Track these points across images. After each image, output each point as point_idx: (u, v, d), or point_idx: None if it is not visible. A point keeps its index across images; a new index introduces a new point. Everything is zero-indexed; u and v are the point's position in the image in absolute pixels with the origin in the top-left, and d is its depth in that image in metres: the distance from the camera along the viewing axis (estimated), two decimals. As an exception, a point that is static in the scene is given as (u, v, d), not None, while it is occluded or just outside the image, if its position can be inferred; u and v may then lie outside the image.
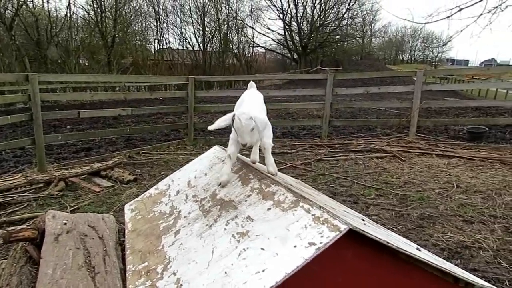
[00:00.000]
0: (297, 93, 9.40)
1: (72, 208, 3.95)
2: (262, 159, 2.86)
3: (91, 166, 5.20)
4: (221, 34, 34.37)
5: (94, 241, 2.49)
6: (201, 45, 33.57)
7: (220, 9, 33.88)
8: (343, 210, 2.54)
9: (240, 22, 36.17)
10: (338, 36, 41.46)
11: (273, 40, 41.04)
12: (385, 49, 62.80)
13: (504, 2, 7.68)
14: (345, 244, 1.59)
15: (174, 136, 8.53)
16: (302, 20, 39.28)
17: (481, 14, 7.91)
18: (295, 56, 40.84)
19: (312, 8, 38.25)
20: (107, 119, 10.72)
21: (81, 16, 25.33)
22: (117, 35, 25.89)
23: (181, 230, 2.31)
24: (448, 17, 8.21)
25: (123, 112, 7.12)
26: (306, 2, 38.02)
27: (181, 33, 33.94)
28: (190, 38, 34.51)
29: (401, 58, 65.53)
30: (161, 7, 32.03)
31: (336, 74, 8.32)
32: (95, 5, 24.68)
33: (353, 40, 45.81)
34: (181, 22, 33.90)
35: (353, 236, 1.58)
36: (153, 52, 32.41)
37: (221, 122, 2.46)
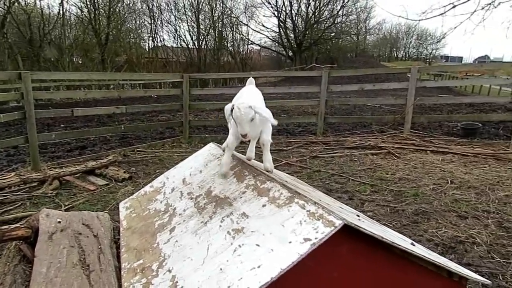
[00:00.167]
0: (292, 90, 9.42)
1: (67, 207, 3.93)
2: (258, 157, 2.86)
3: (86, 165, 5.17)
4: (216, 32, 34.26)
5: (89, 239, 2.48)
6: (195, 42, 33.45)
7: (214, 6, 33.78)
8: (338, 206, 2.55)
9: (234, 19, 36.09)
10: (332, 34, 41.50)
11: (268, 37, 41.05)
12: (380, 46, 62.95)
13: (497, -1, 7.73)
14: (340, 240, 1.59)
15: (169, 134, 8.50)
16: (296, 17, 39.30)
17: (475, 11, 7.97)
18: (290, 53, 40.82)
19: (307, 5, 38.27)
20: (101, 117, 10.66)
21: (74, 14, 25.18)
22: (110, 32, 25.72)
23: (176, 227, 2.30)
24: (442, 14, 8.26)
25: (117, 110, 7.09)
26: (301, -1, 38.03)
27: (176, 30, 33.82)
28: (185, 35, 34.49)
29: (395, 55, 65.71)
30: (155, 4, 31.88)
31: (331, 71, 8.33)
32: (88, 3, 24.50)
33: (348, 37, 45.86)
34: (175, 19, 33.78)
35: (348, 232, 1.58)
36: (147, 49, 32.24)
37: (225, 111, 2.40)
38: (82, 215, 2.86)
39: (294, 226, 1.67)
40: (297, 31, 39.24)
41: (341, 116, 10.67)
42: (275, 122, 2.45)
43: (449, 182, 4.70)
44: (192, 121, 8.23)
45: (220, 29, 34.71)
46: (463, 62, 65.11)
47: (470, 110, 11.80)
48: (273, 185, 2.12)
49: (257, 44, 40.73)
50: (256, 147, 2.76)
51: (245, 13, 37.81)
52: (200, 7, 33.14)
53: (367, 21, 52.41)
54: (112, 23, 25.79)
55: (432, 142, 7.04)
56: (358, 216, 2.39)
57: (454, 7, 8.09)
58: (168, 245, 2.15)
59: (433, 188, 4.50)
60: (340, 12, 40.22)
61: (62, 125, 9.62)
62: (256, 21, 46.54)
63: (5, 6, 19.52)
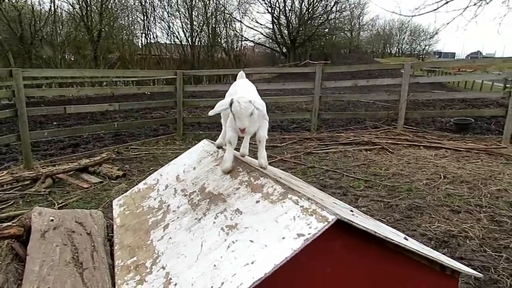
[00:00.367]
0: (286, 86, 9.41)
1: (60, 205, 3.90)
2: (252, 153, 2.86)
3: (79, 162, 5.13)
4: (209, 28, 34.06)
5: (82, 237, 2.46)
6: (189, 39, 33.22)
7: (207, 2, 33.54)
8: (332, 201, 2.56)
9: (228, 15, 35.91)
10: (326, 30, 41.48)
11: (261, 34, 40.89)
12: (373, 42, 63.12)
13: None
14: (334, 235, 1.60)
15: (163, 131, 8.47)
16: (290, 13, 39.18)
17: (467, 7, 8.00)
18: (284, 49, 40.75)
19: (300, 1, 38.13)
20: (94, 114, 10.58)
21: (66, 10, 24.84)
22: (103, 29, 25.46)
23: (170, 224, 2.29)
24: (435, 10, 8.29)
25: (110, 108, 7.03)
26: (294, -5, 37.93)
27: (169, 27, 33.52)
28: (178, 32, 34.24)
29: (389, 51, 65.95)
30: (147, 0, 31.58)
31: (324, 68, 8.34)
32: (80, -1, 24.20)
33: (342, 33, 45.90)
34: (168, 16, 33.49)
35: (341, 227, 1.59)
36: (140, 46, 31.97)
37: (219, 107, 2.38)
38: (75, 213, 2.84)
39: (287, 222, 1.67)
40: (291, 27, 39.16)
41: (335, 112, 10.70)
42: (267, 118, 2.45)
43: (442, 177, 4.74)
44: (186, 118, 8.20)
45: (214, 26, 34.53)
46: (455, 58, 65.49)
47: (463, 106, 11.90)
48: (267, 181, 2.12)
49: (251, 41, 40.62)
50: (249, 143, 2.76)
51: (239, 9, 37.70)
52: (193, 3, 32.90)
53: (361, 17, 52.63)
54: (104, 19, 25.52)
55: (425, 137, 7.09)
56: (351, 211, 2.40)
57: (446, 2, 8.13)
58: (162, 242, 2.14)
59: (426, 183, 4.53)
60: (333, 8, 40.22)
61: (54, 123, 9.53)
62: (249, 18, 46.48)
63: (-5, 3, 19.25)
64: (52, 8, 22.79)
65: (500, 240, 3.07)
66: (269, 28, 40.21)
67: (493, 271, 2.62)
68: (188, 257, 1.85)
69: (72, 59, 23.81)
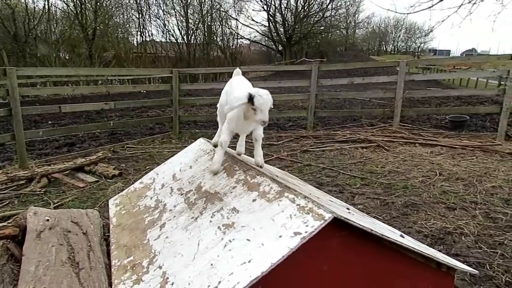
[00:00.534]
0: (282, 84, 9.41)
1: (56, 205, 3.88)
2: (248, 152, 2.86)
3: (75, 162, 5.11)
4: (205, 26, 33.96)
5: (78, 237, 2.45)
6: (184, 37, 33.14)
7: (203, 0, 33.44)
8: (328, 199, 2.56)
9: (223, 13, 35.81)
10: (322, 27, 41.50)
11: (257, 31, 40.86)
12: (369, 40, 63.26)
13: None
14: (330, 233, 1.60)
15: (159, 129, 8.44)
16: (286, 11, 39.17)
17: (462, 4, 8.03)
18: (280, 47, 40.74)
19: (296, -1, 38.13)
20: (90, 113, 10.52)
21: (60, 8, 24.67)
22: (98, 27, 25.30)
23: (166, 223, 2.29)
24: (430, 7, 8.30)
25: (106, 106, 7.00)
26: (290, -7, 37.89)
27: (164, 25, 33.41)
28: (174, 30, 34.07)
29: (384, 49, 66.12)
30: (143, -2, 31.40)
31: (320, 65, 8.33)
32: (74, -3, 24.02)
33: (337, 31, 45.97)
34: (163, 13, 33.36)
35: (338, 225, 1.59)
36: (135, 44, 31.83)
37: (236, 102, 2.31)
38: (71, 212, 2.82)
39: (284, 220, 1.67)
40: (286, 25, 39.14)
41: (331, 110, 10.71)
42: None
43: (438, 174, 4.77)
44: (182, 117, 8.18)
45: (209, 24, 34.43)
46: (450, 55, 65.86)
47: (458, 103, 11.94)
48: (263, 180, 2.12)
49: (247, 39, 40.59)
50: (245, 141, 2.76)
51: (234, 7, 37.57)
52: (189, 1, 32.80)
53: (356, 15, 52.71)
54: (99, 17, 25.35)
55: (421, 135, 7.12)
56: (348, 209, 2.40)
57: (441, 0, 8.14)
58: (158, 241, 2.14)
59: (422, 181, 4.55)
60: (329, 6, 40.27)
61: (49, 122, 9.46)
62: (245, 15, 46.31)
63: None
64: (46, 6, 22.64)
65: (495, 237, 3.10)
66: (265, 26, 40.23)
67: (488, 268, 2.64)
68: (185, 256, 1.85)
69: (67, 58, 23.63)
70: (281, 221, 1.68)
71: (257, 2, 40.50)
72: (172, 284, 1.70)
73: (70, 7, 24.46)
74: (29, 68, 12.96)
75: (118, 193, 3.50)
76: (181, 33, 33.27)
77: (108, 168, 5.04)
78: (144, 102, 9.49)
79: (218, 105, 2.93)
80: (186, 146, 3.52)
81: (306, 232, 1.52)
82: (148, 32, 33.15)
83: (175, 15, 33.20)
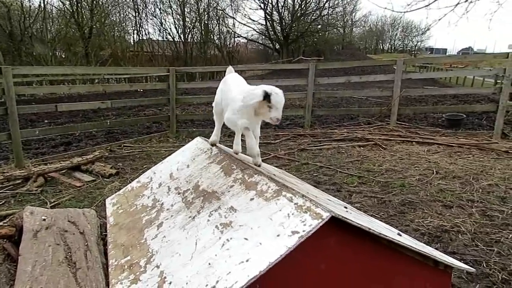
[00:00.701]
0: (279, 83, 9.37)
1: (52, 204, 3.86)
2: (244, 150, 2.85)
3: (71, 161, 5.08)
4: (202, 25, 33.85)
5: (75, 237, 2.44)
6: (181, 36, 33.01)
7: (200, -2, 33.31)
8: (326, 198, 2.56)
9: (220, 12, 35.72)
10: (319, 26, 41.50)
11: (254, 30, 40.81)
12: (366, 39, 63.33)
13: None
14: (328, 232, 1.60)
15: (156, 128, 8.42)
16: (283, 9, 39.14)
17: (458, 3, 8.02)
18: (277, 46, 40.71)
19: (293, -3, 38.11)
20: (86, 112, 10.48)
21: (56, 7, 24.51)
22: (94, 26, 25.17)
23: (164, 222, 2.28)
24: (427, 6, 8.29)
25: (102, 105, 6.97)
26: (287, -9, 37.86)
27: (161, 23, 33.27)
28: (170, 28, 33.93)
29: (381, 47, 66.23)
30: (139, -4, 31.24)
31: (318, 64, 8.35)
32: (70, -5, 23.86)
33: (334, 29, 45.97)
34: (160, 12, 33.23)
35: (335, 224, 1.59)
36: (132, 43, 31.70)
37: (251, 100, 2.27)
38: (67, 212, 2.81)
39: (282, 219, 1.67)
40: (283, 23, 39.12)
41: (329, 108, 10.72)
42: None
43: (435, 172, 4.78)
44: (179, 115, 8.16)
45: (206, 22, 34.32)
46: (447, 54, 66.03)
47: (455, 102, 11.98)
48: (261, 179, 2.12)
49: (244, 37, 40.51)
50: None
51: (231, 5, 37.49)
52: (186, -1, 32.69)
53: (353, 14, 52.76)
54: (95, 16, 25.21)
55: (417, 133, 7.14)
56: (345, 207, 2.41)
57: (438, -2, 8.14)
58: (156, 240, 2.13)
59: (419, 179, 4.57)
60: (326, 5, 40.27)
61: (46, 121, 9.41)
62: (242, 14, 46.19)
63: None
64: (42, 5, 22.47)
65: (491, 235, 3.11)
66: (262, 25, 40.17)
67: (485, 265, 2.65)
68: (183, 255, 1.84)
69: (63, 56, 23.51)
70: (279, 220, 1.68)
71: (254, 0, 40.51)
72: (170, 283, 1.70)
73: (66, 6, 24.30)
74: (25, 67, 12.88)
75: (115, 192, 3.49)
76: (178, 32, 33.15)
77: (105, 167, 5.03)
78: (141, 101, 9.46)
79: (213, 104, 2.92)
80: (183, 145, 3.51)
81: (304, 231, 1.52)
82: (144, 30, 33.06)
83: (172, 13, 33.09)
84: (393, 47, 65.19)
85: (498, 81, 15.62)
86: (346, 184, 4.48)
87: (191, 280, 1.62)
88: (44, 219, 2.55)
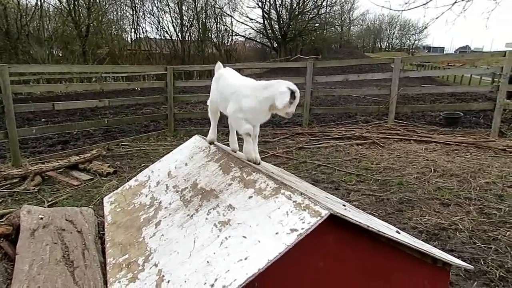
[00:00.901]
0: (277, 81, 9.38)
1: (50, 203, 3.84)
2: (241, 148, 2.85)
3: (69, 160, 5.06)
4: (200, 23, 33.78)
5: (72, 235, 2.43)
6: (179, 34, 32.95)
7: (197, -3, 33.22)
8: (324, 196, 2.56)
9: (218, 10, 35.64)
10: (317, 24, 41.49)
11: (252, 28, 40.74)
12: (364, 37, 63.36)
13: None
14: (327, 229, 1.60)
15: (154, 127, 8.40)
16: (281, 8, 39.08)
17: (456, 1, 8.02)
18: (275, 44, 40.68)
19: (291, -4, 38.06)
20: (84, 111, 10.44)
21: (53, 5, 24.38)
22: (91, 24, 25.07)
23: (162, 221, 2.28)
24: (424, 4, 8.29)
25: (100, 104, 6.95)
26: (285, -11, 37.82)
27: (158, 22, 33.19)
28: (168, 27, 33.83)
29: (379, 46, 66.27)
30: (136, -6, 31.13)
31: (315, 62, 8.34)
32: (67, -7, 23.75)
33: (332, 28, 45.99)
34: (158, 10, 33.13)
35: (334, 221, 1.59)
36: (129, 42, 31.60)
37: (286, 97, 2.22)
38: (65, 210, 2.80)
39: (280, 217, 1.67)
40: (281, 22, 39.07)
41: (327, 107, 10.72)
42: None
43: (432, 170, 4.79)
44: (177, 114, 8.14)
45: (204, 20, 34.25)
46: (445, 52, 66.12)
47: (452, 100, 12.01)
48: (259, 177, 2.11)
49: (242, 36, 40.45)
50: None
51: (229, 4, 37.41)
52: (183, -3, 32.58)
53: (351, 12, 52.76)
54: (92, 14, 25.11)
55: (415, 131, 7.15)
56: (344, 205, 2.40)
57: (435, -3, 8.15)
58: (154, 239, 2.13)
59: (416, 177, 4.57)
60: (324, 3, 40.22)
61: (43, 120, 9.38)
62: (240, 12, 46.11)
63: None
64: (39, 3, 22.36)
65: (489, 232, 3.12)
66: (260, 23, 40.10)
67: (482, 263, 2.66)
68: (181, 253, 1.83)
69: (60, 55, 23.42)
70: (278, 218, 1.68)
71: (251, -1, 40.41)
72: (168, 282, 1.69)
73: (63, 4, 24.20)
74: (22, 65, 12.78)
75: (113, 191, 3.48)
76: (175, 30, 33.09)
77: (102, 166, 5.01)
78: (138, 100, 9.43)
79: (208, 102, 2.91)
80: (181, 144, 3.50)
81: (302, 228, 1.51)
82: (142, 29, 32.96)
83: (169, 11, 33.00)
84: (390, 45, 65.24)
85: (495, 79, 15.66)
86: (344, 182, 4.49)
87: (189, 278, 1.62)
88: (41, 218, 2.54)
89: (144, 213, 2.52)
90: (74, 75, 14.75)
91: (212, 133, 2.94)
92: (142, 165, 5.18)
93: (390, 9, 15.95)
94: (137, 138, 7.05)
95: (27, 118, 9.37)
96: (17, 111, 5.36)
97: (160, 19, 33.68)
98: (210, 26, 35.31)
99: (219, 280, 1.49)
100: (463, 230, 3.16)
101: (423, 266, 1.91)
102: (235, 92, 2.41)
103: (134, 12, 31.21)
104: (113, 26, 29.39)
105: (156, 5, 32.92)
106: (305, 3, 38.90)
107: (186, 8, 33.35)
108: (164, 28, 33.53)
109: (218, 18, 35.91)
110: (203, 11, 34.00)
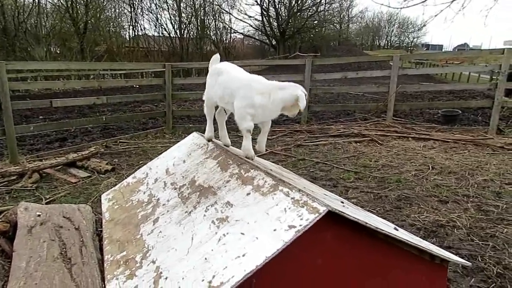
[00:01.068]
0: (276, 79, 9.34)
1: (48, 200, 3.84)
2: (238, 145, 2.84)
3: (67, 157, 5.05)
4: (198, 20, 33.68)
5: (70, 232, 2.42)
6: (177, 31, 32.83)
7: (196, -6, 33.10)
8: (323, 193, 2.56)
9: (217, 7, 35.54)
10: (315, 22, 41.42)
11: (251, 26, 40.65)
12: (362, 35, 63.26)
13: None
14: (325, 226, 1.60)
15: (152, 124, 8.38)
16: (279, 5, 39.00)
17: (454, -1, 8.01)
18: (274, 42, 40.60)
19: (290, -7, 37.95)
20: (82, 108, 10.41)
21: (51, 2, 24.26)
22: (89, 21, 24.96)
23: (160, 218, 2.27)
24: (423, 1, 8.29)
25: (98, 101, 6.93)
26: (283, -13, 37.72)
27: (157, 19, 33.06)
28: (166, 24, 33.71)
29: (378, 43, 66.18)
30: (134, -9, 30.97)
31: (314, 60, 8.35)
32: (65, -10, 23.62)
33: (331, 25, 45.92)
34: (156, 7, 33.00)
35: (332, 218, 1.59)
36: (128, 39, 31.48)
37: (304, 101, 2.25)
38: (62, 208, 2.79)
39: (278, 214, 1.67)
40: (280, 19, 38.99)
41: (325, 104, 10.71)
42: None
43: (430, 168, 4.80)
44: (175, 111, 8.12)
45: (202, 18, 34.15)
46: (443, 50, 66.11)
47: (450, 97, 12.02)
48: (258, 173, 2.11)
49: (240, 33, 40.37)
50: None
51: (227, 1, 37.31)
52: (182, -6, 32.45)
53: (350, 10, 52.63)
54: (90, 11, 25.00)
55: (413, 129, 7.16)
56: (342, 202, 2.40)
57: (434, -6, 8.12)
58: (151, 236, 2.12)
59: (415, 174, 4.58)
60: (323, 1, 40.13)
61: (40, 117, 9.35)
62: (238, 10, 45.98)
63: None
64: (36, 0, 22.26)
65: (486, 229, 3.13)
66: (258, 20, 40.01)
67: (480, 259, 2.66)
68: (179, 250, 1.83)
69: (58, 52, 23.33)
70: (276, 214, 1.67)
71: (250, -4, 40.27)
72: (166, 278, 1.69)
73: (61, 1, 24.08)
74: (19, 62, 12.76)
75: (111, 188, 3.47)
76: (174, 27, 32.97)
77: (100, 163, 5.00)
78: (136, 97, 9.42)
79: (204, 98, 2.88)
80: (179, 141, 3.49)
81: (300, 225, 1.51)
82: (140, 26, 32.83)
83: (168, 8, 32.87)
84: (389, 43, 65.17)
85: (493, 77, 15.69)
86: (343, 179, 4.49)
87: (187, 275, 1.62)
88: (39, 215, 2.53)
89: (142, 210, 2.51)
90: (72, 72, 14.68)
91: (210, 131, 2.92)
92: (140, 162, 5.16)
93: (389, 6, 15.95)
94: (135, 135, 7.04)
95: (24, 115, 9.34)
96: (14, 108, 5.34)
97: (159, 16, 33.48)
98: (208, 23, 35.25)
99: (217, 277, 1.48)
100: (461, 227, 3.17)
101: (421, 263, 1.91)
102: (244, 86, 2.36)
103: (132, 9, 31.06)
104: (111, 23, 29.29)
105: (155, 2, 32.78)
106: (304, 0, 38.83)
107: (185, 5, 33.27)
108: (163, 25, 33.53)
109: (217, 15, 35.84)
110: (202, 8, 33.92)
